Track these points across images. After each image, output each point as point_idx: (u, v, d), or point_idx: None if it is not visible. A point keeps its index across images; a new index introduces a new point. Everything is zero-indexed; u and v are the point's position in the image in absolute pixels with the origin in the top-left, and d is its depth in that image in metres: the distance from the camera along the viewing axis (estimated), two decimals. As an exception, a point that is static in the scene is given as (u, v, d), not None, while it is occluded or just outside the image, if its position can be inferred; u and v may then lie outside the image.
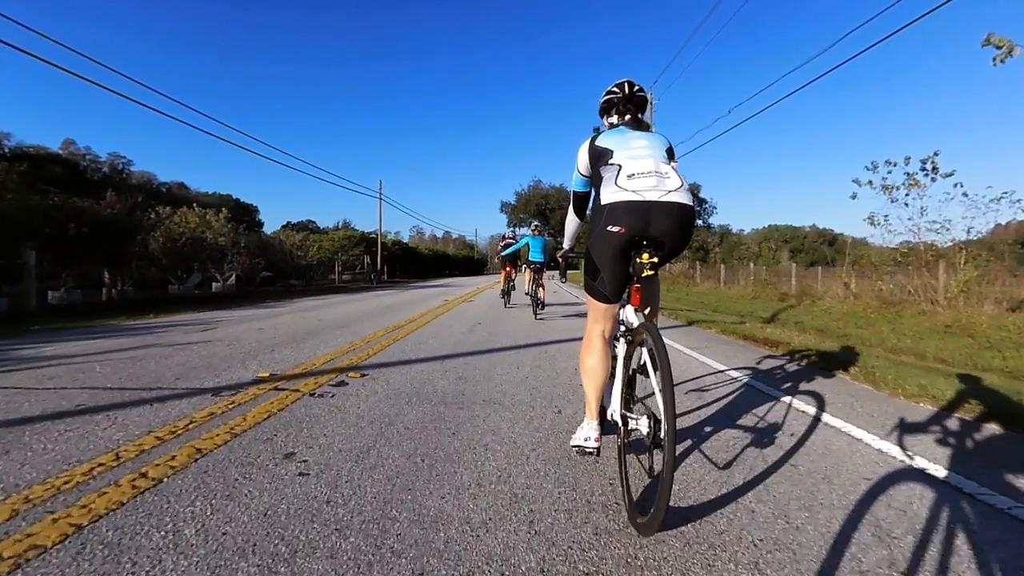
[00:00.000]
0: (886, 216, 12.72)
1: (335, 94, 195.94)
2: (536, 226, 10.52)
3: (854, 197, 13.48)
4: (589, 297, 2.26)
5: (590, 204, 2.53)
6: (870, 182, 13.12)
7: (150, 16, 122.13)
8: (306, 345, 5.73)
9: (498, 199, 62.86)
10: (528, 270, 9.73)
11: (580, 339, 2.41)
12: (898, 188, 12.62)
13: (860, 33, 11.05)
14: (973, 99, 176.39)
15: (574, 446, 2.22)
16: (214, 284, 22.21)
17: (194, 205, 20.92)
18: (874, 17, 10.03)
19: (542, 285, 9.43)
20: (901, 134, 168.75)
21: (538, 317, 8.98)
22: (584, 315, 9.96)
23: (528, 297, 9.57)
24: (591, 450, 2.16)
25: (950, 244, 12.04)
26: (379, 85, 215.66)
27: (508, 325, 7.94)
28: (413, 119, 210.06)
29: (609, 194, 2.03)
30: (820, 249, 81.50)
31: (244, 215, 66.82)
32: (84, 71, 15.41)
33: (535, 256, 9.59)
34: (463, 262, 69.58)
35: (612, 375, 2.21)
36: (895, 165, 12.68)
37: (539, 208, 55.64)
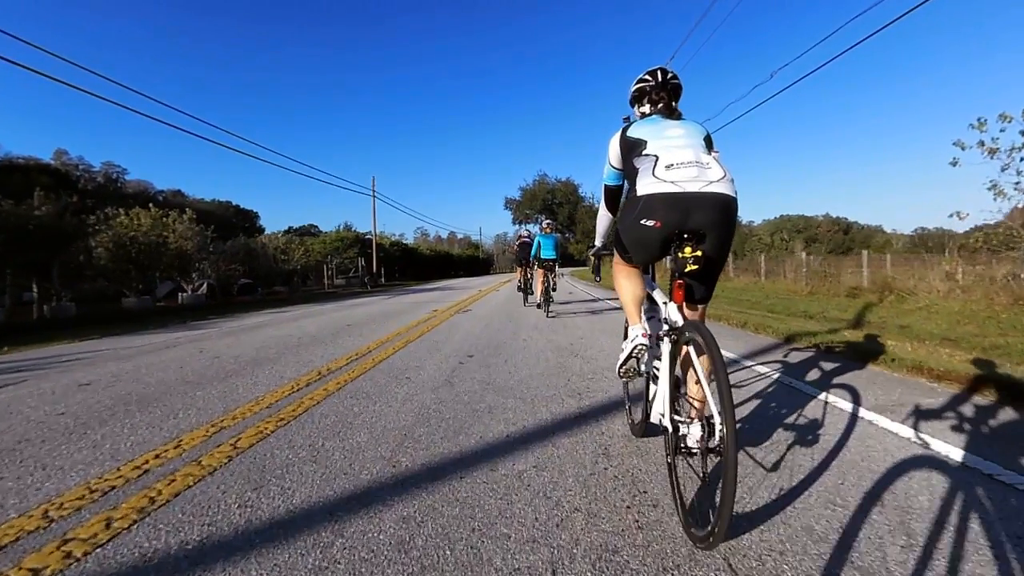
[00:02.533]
0: (1017, 183, 9.40)
1: (336, 99, 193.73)
2: (548, 224, 10.00)
3: (955, 164, 10.21)
4: (615, 248, 2.24)
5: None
6: (981, 143, 9.80)
7: (146, 28, 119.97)
8: (74, 448, 2.53)
9: (503, 196, 59.17)
10: (540, 269, 9.19)
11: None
12: (1019, 148, 9.40)
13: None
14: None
15: (624, 364, 2.16)
16: (180, 295, 19.15)
17: (149, 205, 17.82)
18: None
19: (554, 283, 9.22)
20: (918, 118, 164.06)
21: (550, 315, 8.45)
22: (599, 311, 9.07)
23: (540, 297, 9.04)
24: (641, 345, 2.06)
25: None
26: (381, 90, 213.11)
27: (518, 358, 4.72)
28: (415, 122, 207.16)
29: (646, 185, 1.87)
30: (835, 238, 77.94)
31: (244, 221, 64.14)
32: (77, 81, 14.61)
33: (547, 254, 9.22)
34: (468, 262, 66.19)
35: (655, 377, 2.05)
36: (1010, 121, 9.39)
37: (546, 203, 52.24)
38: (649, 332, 2.09)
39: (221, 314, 11.75)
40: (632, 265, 2.16)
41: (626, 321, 2.36)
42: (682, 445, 1.74)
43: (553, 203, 53.40)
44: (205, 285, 20.40)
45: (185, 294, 19.13)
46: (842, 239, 77.54)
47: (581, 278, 29.90)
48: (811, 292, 14.54)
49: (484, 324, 7.47)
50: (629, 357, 2.12)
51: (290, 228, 67.14)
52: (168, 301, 19.63)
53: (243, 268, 22.29)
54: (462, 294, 16.27)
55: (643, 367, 2.22)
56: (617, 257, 2.24)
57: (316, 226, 71.94)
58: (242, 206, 69.01)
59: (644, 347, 2.06)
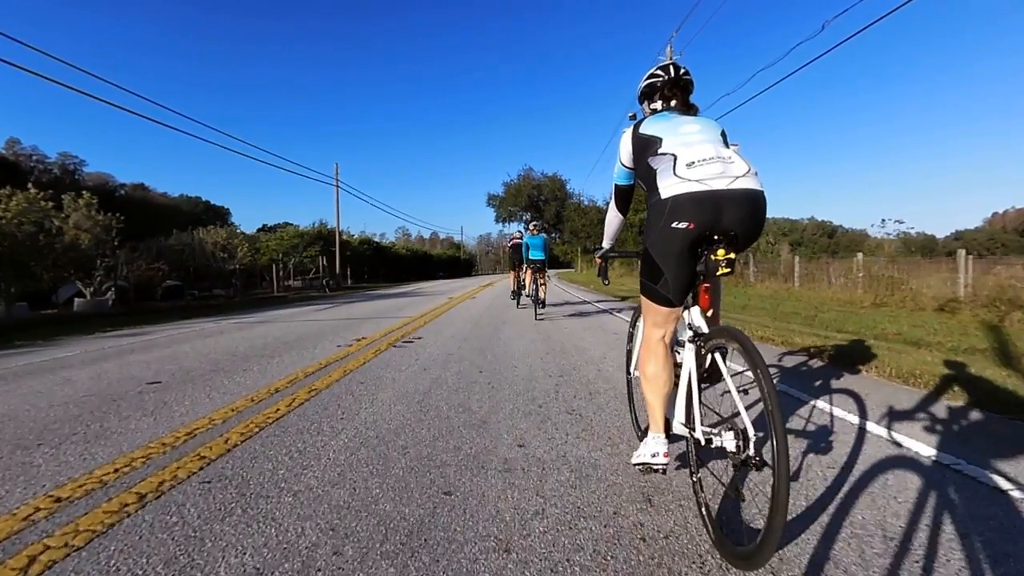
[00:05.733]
0: None
1: (316, 97, 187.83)
2: (535, 225, 9.44)
3: None
4: (646, 300, 1.85)
5: (648, 200, 1.91)
6: None
7: (107, 12, 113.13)
8: None
9: (487, 195, 54.55)
10: (529, 270, 8.93)
11: None
12: None
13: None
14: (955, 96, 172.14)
15: (638, 464, 1.83)
16: (77, 300, 14.89)
17: (29, 186, 13.55)
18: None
19: (543, 284, 8.70)
20: (902, 125, 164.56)
21: (539, 318, 7.90)
22: (585, 313, 8.78)
23: (530, 300, 8.80)
24: (659, 468, 1.77)
25: None
26: (364, 87, 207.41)
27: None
28: (399, 119, 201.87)
29: (669, 186, 1.65)
30: (820, 241, 76.06)
31: (214, 217, 59.20)
32: (31, 65, 12.07)
33: (535, 255, 8.82)
34: (448, 262, 61.83)
35: (676, 383, 1.83)
36: None
37: (531, 200, 48.04)
38: (668, 453, 1.78)
39: (76, 333, 7.72)
40: (671, 306, 1.78)
41: (636, 418, 2.41)
42: (708, 457, 1.71)
43: (539, 200, 49.31)
44: (114, 288, 16.16)
45: (83, 300, 14.89)
46: (827, 242, 75.64)
47: (571, 281, 26.22)
48: (877, 304, 11.03)
49: (426, 386, 3.60)
50: (646, 466, 1.81)
51: (264, 226, 62.46)
52: (66, 308, 15.41)
53: (168, 267, 18.09)
54: (427, 303, 12.34)
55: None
56: (650, 315, 1.85)
57: (291, 224, 66.99)
58: (213, 202, 64.05)
59: (664, 467, 1.77)
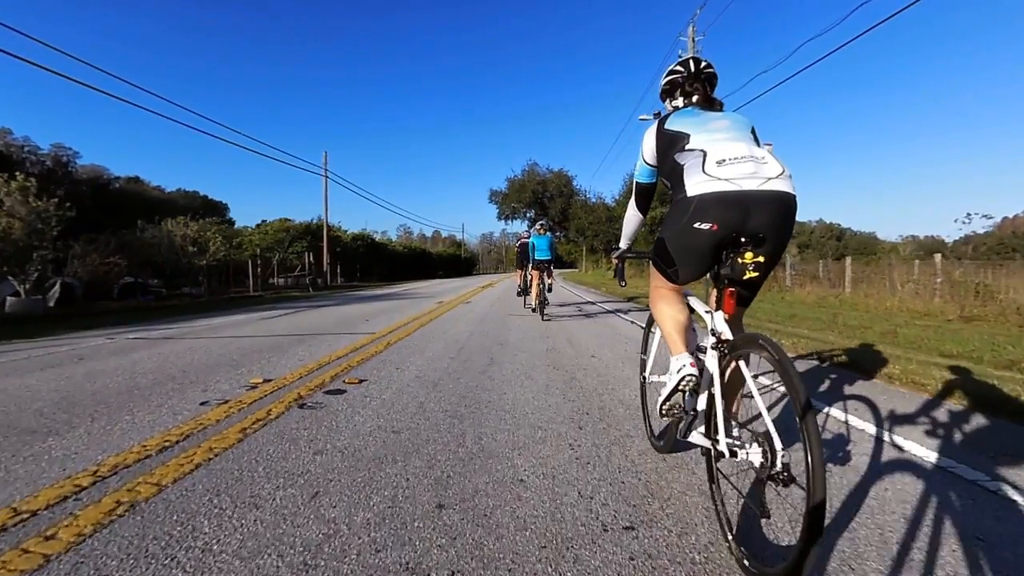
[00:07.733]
0: None
1: (317, 94, 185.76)
2: (541, 224, 9.25)
3: None
4: (654, 270, 1.81)
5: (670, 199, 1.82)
6: None
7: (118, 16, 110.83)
8: None
9: (489, 191, 51.38)
10: (535, 270, 8.61)
11: None
12: None
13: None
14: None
15: (664, 404, 1.71)
16: (10, 300, 12.64)
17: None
18: None
19: (550, 281, 8.91)
20: (908, 129, 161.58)
21: (545, 319, 7.89)
22: (591, 315, 8.69)
23: (535, 301, 8.37)
24: (691, 376, 1.62)
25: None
26: (368, 85, 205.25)
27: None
28: (401, 118, 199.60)
29: (696, 184, 1.53)
30: (828, 244, 73.67)
31: (212, 212, 56.82)
32: (23, 52, 10.03)
33: (541, 255, 8.69)
34: (448, 261, 59.34)
35: (696, 390, 1.69)
36: None
37: (535, 196, 45.37)
38: (696, 363, 1.68)
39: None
40: (674, 284, 1.79)
41: (649, 425, 2.27)
42: (724, 470, 1.58)
43: (544, 196, 46.79)
44: (58, 285, 13.93)
45: (16, 299, 12.65)
46: (835, 245, 73.25)
47: (578, 282, 23.96)
48: (966, 317, 8.73)
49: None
50: (675, 391, 1.69)
51: (263, 221, 60.37)
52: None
53: (127, 262, 15.84)
54: (408, 310, 10.03)
55: (688, 401, 1.74)
56: (656, 278, 1.84)
57: (291, 220, 64.68)
58: (211, 197, 61.88)
59: (693, 378, 1.64)
